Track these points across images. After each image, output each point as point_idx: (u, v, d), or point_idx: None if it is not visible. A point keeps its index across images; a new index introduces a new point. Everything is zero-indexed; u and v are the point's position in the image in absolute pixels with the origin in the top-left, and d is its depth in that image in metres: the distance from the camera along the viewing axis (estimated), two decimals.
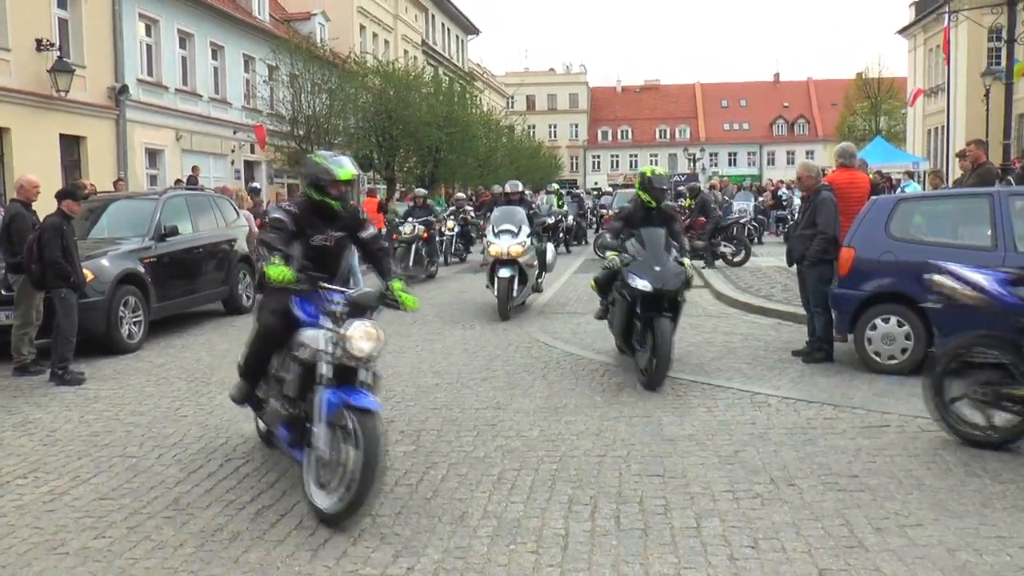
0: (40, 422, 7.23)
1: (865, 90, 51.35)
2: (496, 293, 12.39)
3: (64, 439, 6.68)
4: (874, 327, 8.35)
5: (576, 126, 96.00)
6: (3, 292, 9.52)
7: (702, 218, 19.09)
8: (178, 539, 4.64)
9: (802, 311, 9.58)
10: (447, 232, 21.88)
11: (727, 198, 28.21)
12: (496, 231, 12.81)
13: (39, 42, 19.13)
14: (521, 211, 13.33)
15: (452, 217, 22.93)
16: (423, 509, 4.97)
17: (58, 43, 19.79)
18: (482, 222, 20.29)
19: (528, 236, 12.82)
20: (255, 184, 22.66)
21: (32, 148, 18.79)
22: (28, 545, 4.61)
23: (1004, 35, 19.61)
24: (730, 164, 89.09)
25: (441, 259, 20.88)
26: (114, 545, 4.58)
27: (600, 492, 5.19)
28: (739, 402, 7.34)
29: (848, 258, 8.56)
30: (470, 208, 24.77)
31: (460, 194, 29.61)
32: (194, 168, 22.72)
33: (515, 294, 12.45)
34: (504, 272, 12.33)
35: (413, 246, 17.89)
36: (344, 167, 5.33)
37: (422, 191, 20.60)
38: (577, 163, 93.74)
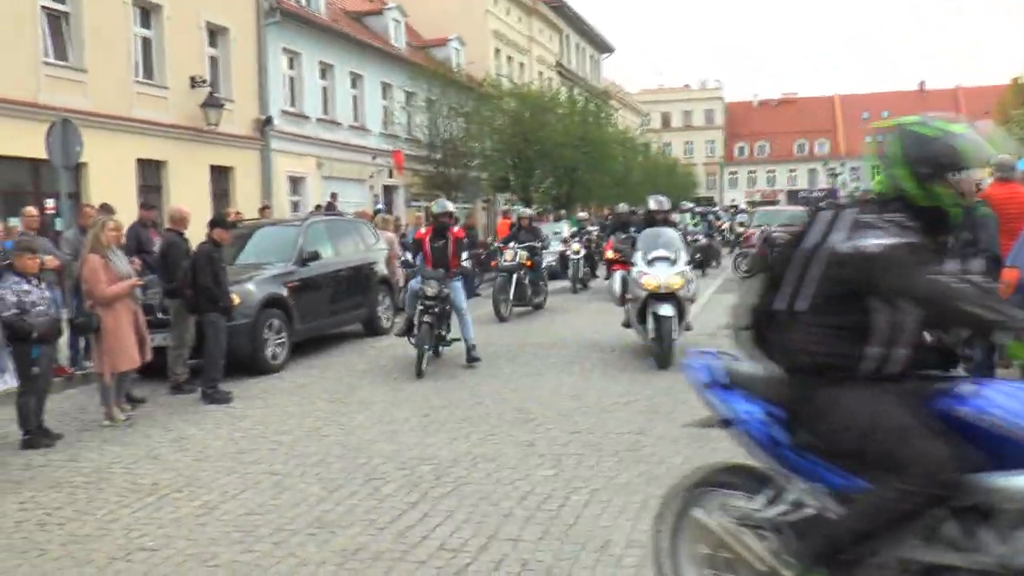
0: (193, 438, 7.52)
1: (1023, 97, 48.50)
2: (651, 335, 10.10)
3: (214, 455, 6.92)
4: None
5: (712, 143, 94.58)
6: (160, 315, 9.99)
7: None
8: (321, 556, 4.69)
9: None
10: (572, 256, 20.40)
11: None
12: (648, 259, 10.51)
13: (193, 79, 20.18)
14: (676, 234, 11.24)
15: (577, 239, 21.57)
16: (565, 536, 4.87)
17: (209, 80, 20.83)
18: (605, 244, 18.10)
19: (687, 264, 10.70)
20: (380, 206, 23.11)
21: (185, 179, 19.78)
22: (184, 556, 4.78)
23: None
24: (873, 178, 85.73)
25: (568, 284, 20.00)
26: (261, 560, 4.68)
27: None
28: None
29: (1012, 280, 7.96)
30: (594, 229, 22.71)
31: (582, 213, 27.57)
32: (333, 195, 23.41)
33: (675, 336, 10.18)
34: (665, 310, 9.98)
35: (514, 276, 15.36)
36: (985, 141, 3.01)
37: (526, 210, 18.69)
38: (714, 180, 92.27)
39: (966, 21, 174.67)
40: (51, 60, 16.61)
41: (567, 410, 8.07)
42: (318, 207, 21.16)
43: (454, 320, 10.93)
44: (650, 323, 10.07)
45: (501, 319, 14.75)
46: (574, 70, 51.58)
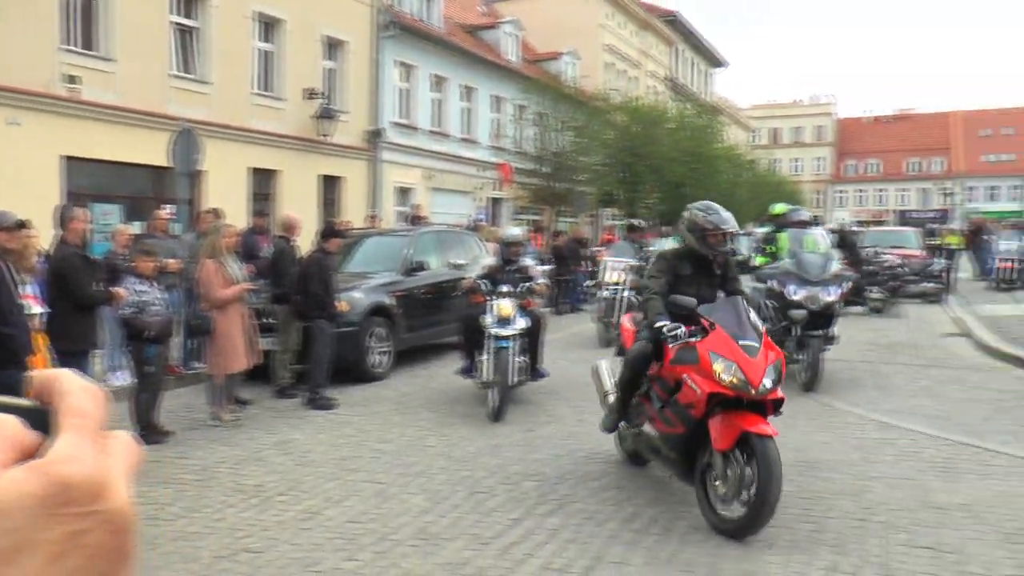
0: (296, 443, 7.60)
1: None
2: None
3: (317, 460, 6.98)
4: None
5: (821, 160, 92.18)
6: (267, 320, 10.17)
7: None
8: (425, 569, 4.65)
9: None
10: None
11: (987, 237, 26.16)
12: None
13: (308, 91, 20.69)
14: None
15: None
16: (670, 561, 4.75)
17: (324, 91, 21.31)
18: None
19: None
20: (478, 217, 22.97)
21: (297, 188, 20.29)
22: (287, 560, 4.81)
23: None
24: (989, 199, 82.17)
25: None
26: (364, 569, 4.67)
27: (863, 561, 4.72)
28: (1017, 470, 6.52)
29: None
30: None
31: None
32: (415, 206, 23.35)
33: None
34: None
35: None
36: None
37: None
38: (821, 199, 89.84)
39: None
40: (178, 73, 17.27)
41: None
42: (416, 218, 20.97)
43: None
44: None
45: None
46: (685, 84, 51.07)
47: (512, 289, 9.01)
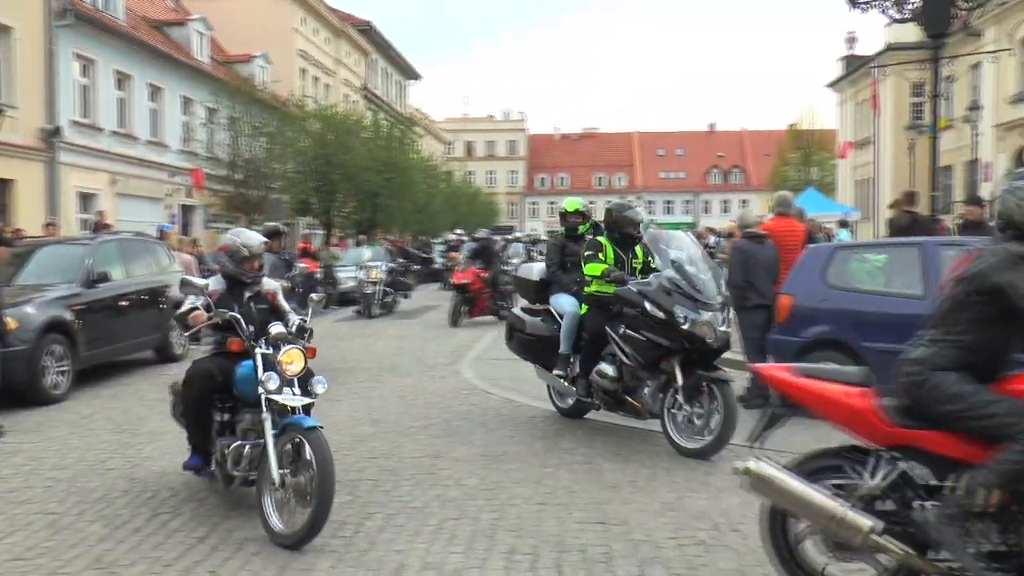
0: None
1: (797, 141, 52.62)
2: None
3: None
4: None
5: (514, 173, 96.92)
6: None
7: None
8: None
9: (736, 357, 9.68)
10: (370, 286, 19.82)
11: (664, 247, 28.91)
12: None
13: None
14: None
15: (380, 266, 20.63)
16: (359, 562, 4.83)
17: None
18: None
19: None
20: (166, 225, 21.65)
21: None
22: None
23: (927, 90, 20.30)
24: (666, 212, 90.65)
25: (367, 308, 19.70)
26: None
27: (541, 541, 5.11)
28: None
29: (786, 305, 8.70)
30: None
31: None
32: (99, 213, 21.94)
33: None
34: None
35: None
36: None
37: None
38: (515, 210, 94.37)
39: (752, 71, 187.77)
40: None
41: (364, 435, 8.02)
42: (101, 225, 19.52)
43: None
44: None
45: None
46: (380, 95, 51.62)
47: (289, 330, 5.67)
